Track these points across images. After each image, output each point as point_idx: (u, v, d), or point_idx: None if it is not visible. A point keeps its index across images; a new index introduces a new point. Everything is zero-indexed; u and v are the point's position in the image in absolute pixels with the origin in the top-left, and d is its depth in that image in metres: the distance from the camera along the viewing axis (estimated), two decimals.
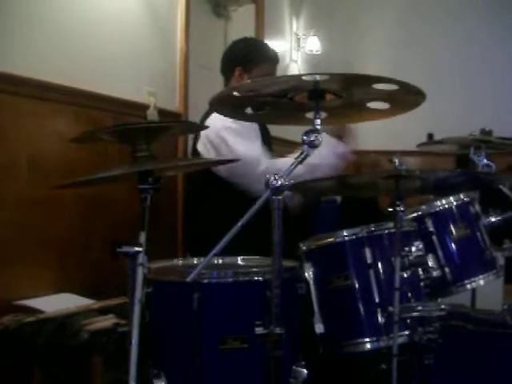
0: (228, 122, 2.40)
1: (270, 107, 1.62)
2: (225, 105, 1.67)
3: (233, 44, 2.82)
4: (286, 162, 1.98)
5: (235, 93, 1.54)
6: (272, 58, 2.73)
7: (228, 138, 2.47)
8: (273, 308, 1.47)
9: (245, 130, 2.48)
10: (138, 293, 1.45)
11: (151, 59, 3.10)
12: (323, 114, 1.66)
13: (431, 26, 5.58)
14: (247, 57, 2.67)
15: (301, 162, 1.49)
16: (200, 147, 2.57)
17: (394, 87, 1.45)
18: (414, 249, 1.80)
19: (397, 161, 1.71)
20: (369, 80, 1.45)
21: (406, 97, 1.52)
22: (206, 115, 2.58)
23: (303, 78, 1.46)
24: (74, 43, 2.55)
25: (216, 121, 2.40)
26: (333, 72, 1.40)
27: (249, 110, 1.66)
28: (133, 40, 2.95)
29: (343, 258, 1.82)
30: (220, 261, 1.91)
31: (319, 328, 1.78)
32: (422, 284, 1.85)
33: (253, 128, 2.56)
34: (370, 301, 1.77)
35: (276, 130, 3.16)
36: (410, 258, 1.79)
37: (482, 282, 2.09)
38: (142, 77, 3.01)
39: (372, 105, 1.59)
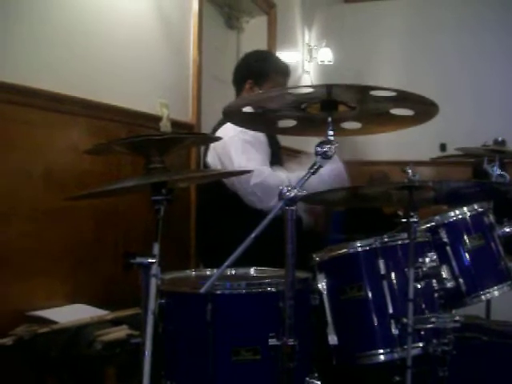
0: (236, 132, 2.41)
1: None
2: (237, 117, 1.67)
3: (245, 56, 2.84)
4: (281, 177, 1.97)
5: (249, 109, 1.55)
6: (283, 71, 2.75)
7: (231, 149, 2.46)
8: (286, 319, 1.47)
9: (252, 142, 2.48)
10: (151, 304, 1.45)
11: (164, 71, 3.12)
12: (357, 125, 1.66)
13: (443, 38, 5.58)
14: (259, 70, 2.70)
15: (314, 173, 1.48)
16: (209, 159, 2.59)
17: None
18: (427, 260, 1.79)
19: (410, 171, 1.70)
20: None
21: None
22: (218, 125, 2.59)
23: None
24: (87, 55, 2.56)
25: (225, 131, 2.41)
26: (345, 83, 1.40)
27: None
28: (146, 52, 2.97)
29: (357, 269, 1.81)
30: (233, 272, 1.91)
31: (332, 339, 1.77)
32: (436, 295, 1.83)
33: (261, 140, 2.55)
34: (383, 312, 1.76)
35: (285, 140, 3.17)
36: (424, 268, 1.77)
37: (496, 293, 2.07)
38: (155, 88, 3.02)
39: (395, 111, 1.58)
